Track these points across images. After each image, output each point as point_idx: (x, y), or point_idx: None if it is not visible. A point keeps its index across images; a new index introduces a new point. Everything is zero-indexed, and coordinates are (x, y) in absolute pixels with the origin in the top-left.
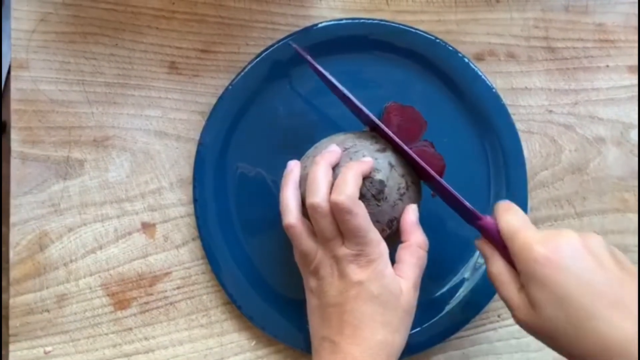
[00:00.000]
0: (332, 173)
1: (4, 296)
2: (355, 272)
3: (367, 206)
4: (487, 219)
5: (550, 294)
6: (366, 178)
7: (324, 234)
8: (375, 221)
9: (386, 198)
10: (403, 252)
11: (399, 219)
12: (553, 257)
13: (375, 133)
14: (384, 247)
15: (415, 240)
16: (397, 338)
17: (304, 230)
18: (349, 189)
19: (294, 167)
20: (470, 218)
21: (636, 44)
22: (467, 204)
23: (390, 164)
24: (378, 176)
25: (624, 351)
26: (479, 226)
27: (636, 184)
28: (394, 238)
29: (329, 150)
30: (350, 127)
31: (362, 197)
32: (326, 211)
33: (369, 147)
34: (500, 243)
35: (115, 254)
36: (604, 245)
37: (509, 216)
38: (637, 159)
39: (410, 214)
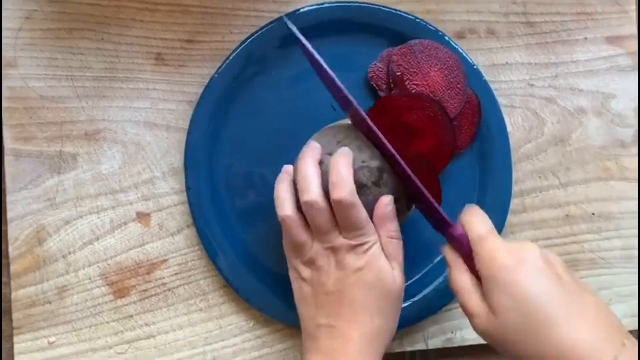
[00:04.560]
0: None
1: (5, 290)
2: (354, 260)
3: (370, 194)
4: (458, 228)
5: (511, 299)
6: (364, 167)
7: (321, 228)
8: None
9: (386, 183)
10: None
11: (401, 197)
12: (516, 264)
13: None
14: (376, 235)
15: (386, 234)
16: (391, 324)
17: (299, 222)
18: (348, 184)
19: (288, 168)
20: (440, 225)
21: (613, 16)
22: (440, 210)
23: None
24: (374, 163)
25: (579, 354)
26: (450, 234)
27: (617, 152)
28: (399, 217)
29: (311, 147)
30: (337, 111)
31: (363, 186)
32: (323, 206)
33: (360, 137)
34: (466, 251)
35: (112, 244)
36: (561, 262)
37: (477, 223)
38: (618, 128)
39: (379, 208)
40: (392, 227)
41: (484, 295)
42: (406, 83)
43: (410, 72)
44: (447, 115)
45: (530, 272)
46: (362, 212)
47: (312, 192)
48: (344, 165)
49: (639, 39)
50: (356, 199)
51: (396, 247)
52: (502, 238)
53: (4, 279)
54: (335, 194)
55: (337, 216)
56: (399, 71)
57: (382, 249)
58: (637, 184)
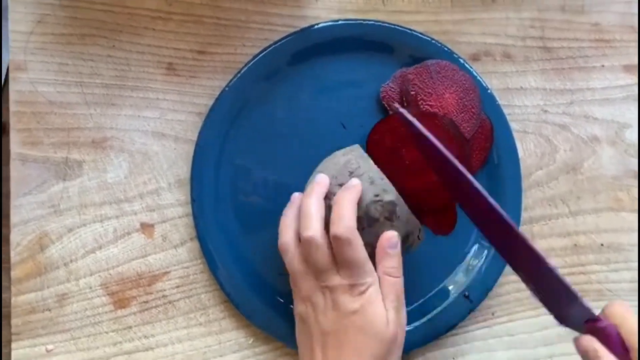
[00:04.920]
0: (325, 204)
1: (5, 295)
2: (349, 302)
3: (382, 229)
4: (607, 323)
5: None
6: (376, 202)
7: (318, 266)
8: None
9: (399, 217)
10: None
11: (414, 230)
12: None
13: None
14: (375, 276)
15: (382, 270)
16: None
17: (297, 254)
18: (347, 221)
19: (296, 197)
20: (578, 316)
21: (631, 44)
22: (584, 301)
23: None
24: (387, 197)
25: None
26: (594, 328)
27: (630, 183)
28: (411, 248)
29: (319, 182)
30: (344, 128)
31: (375, 221)
32: (321, 243)
33: (373, 168)
34: (617, 346)
35: (115, 254)
36: None
37: (631, 318)
38: (632, 159)
39: (381, 242)
40: (390, 263)
41: None
42: (420, 103)
43: (425, 92)
44: (467, 142)
45: None
46: (361, 251)
47: (312, 228)
48: (348, 200)
49: None
50: (354, 236)
51: (391, 286)
52: None
53: (4, 284)
54: (333, 229)
55: (335, 252)
56: (414, 90)
57: (380, 287)
58: None
